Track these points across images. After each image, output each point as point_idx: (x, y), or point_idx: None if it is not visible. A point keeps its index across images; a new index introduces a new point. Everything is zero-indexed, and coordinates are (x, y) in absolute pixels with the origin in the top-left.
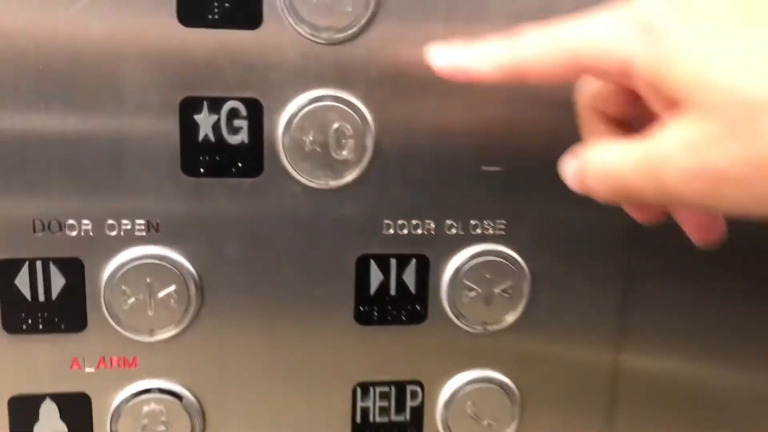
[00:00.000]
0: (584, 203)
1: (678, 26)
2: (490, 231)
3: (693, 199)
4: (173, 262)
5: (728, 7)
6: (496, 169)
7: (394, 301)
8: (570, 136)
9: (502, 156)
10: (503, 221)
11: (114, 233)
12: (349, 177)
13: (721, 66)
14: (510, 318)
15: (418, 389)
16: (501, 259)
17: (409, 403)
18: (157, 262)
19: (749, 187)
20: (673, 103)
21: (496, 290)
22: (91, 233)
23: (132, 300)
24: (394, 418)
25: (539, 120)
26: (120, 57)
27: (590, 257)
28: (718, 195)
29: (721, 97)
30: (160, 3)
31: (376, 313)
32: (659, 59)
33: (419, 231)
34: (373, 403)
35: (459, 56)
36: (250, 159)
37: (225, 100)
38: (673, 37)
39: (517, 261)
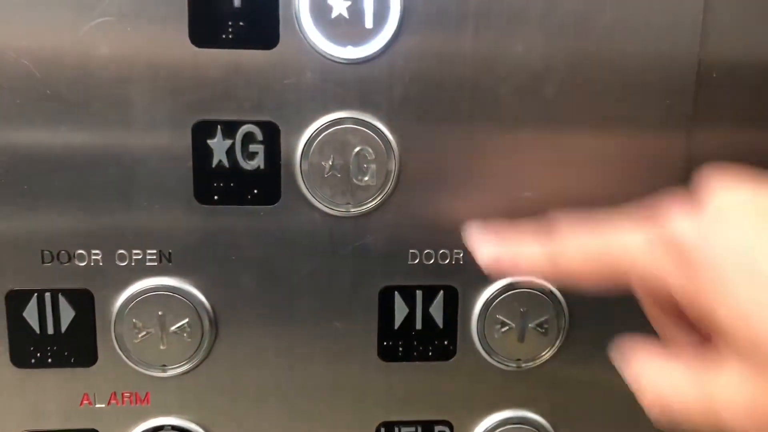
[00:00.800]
0: None
1: (712, 259)
2: None
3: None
4: (186, 294)
5: (759, 235)
6: (528, 194)
7: (421, 336)
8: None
9: (535, 180)
10: None
11: (125, 264)
12: (372, 203)
13: (759, 316)
14: (546, 354)
15: (447, 430)
16: (536, 291)
17: None
18: (169, 293)
19: None
20: (718, 332)
21: (531, 324)
22: (101, 264)
23: (143, 333)
24: None
25: (576, 142)
26: (129, 79)
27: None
28: None
29: (766, 350)
30: (171, 22)
31: (400, 349)
32: (699, 294)
33: (447, 261)
34: None
35: (505, 260)
36: (267, 185)
37: (240, 123)
38: (709, 273)
39: (552, 293)
